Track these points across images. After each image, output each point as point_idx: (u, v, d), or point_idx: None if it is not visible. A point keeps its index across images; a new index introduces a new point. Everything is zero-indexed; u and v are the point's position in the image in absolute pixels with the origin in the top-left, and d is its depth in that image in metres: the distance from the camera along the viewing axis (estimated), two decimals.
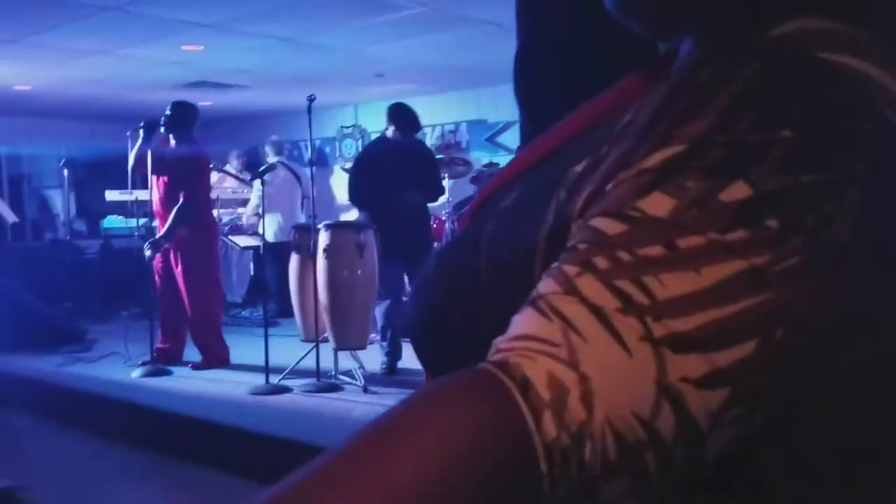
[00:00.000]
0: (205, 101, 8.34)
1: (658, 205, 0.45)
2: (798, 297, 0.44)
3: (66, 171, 8.16)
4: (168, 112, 5.47)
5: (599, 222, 0.46)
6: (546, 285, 0.45)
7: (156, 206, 5.64)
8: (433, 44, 6.26)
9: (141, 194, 8.86)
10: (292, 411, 4.59)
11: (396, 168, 5.30)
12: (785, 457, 0.49)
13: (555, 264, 0.46)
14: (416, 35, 5.98)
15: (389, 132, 5.45)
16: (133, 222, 8.82)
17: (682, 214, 0.44)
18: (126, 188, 9.27)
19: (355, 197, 5.55)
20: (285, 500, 0.40)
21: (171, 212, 5.44)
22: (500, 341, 0.45)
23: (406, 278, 5.52)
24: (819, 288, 0.44)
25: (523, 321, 0.45)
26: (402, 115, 5.45)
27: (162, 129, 5.47)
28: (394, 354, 5.34)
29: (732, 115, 0.46)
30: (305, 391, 4.93)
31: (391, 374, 5.29)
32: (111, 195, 9.20)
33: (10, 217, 8.04)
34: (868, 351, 0.47)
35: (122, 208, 9.18)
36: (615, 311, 0.43)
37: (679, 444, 0.43)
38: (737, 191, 0.44)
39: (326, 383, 5.01)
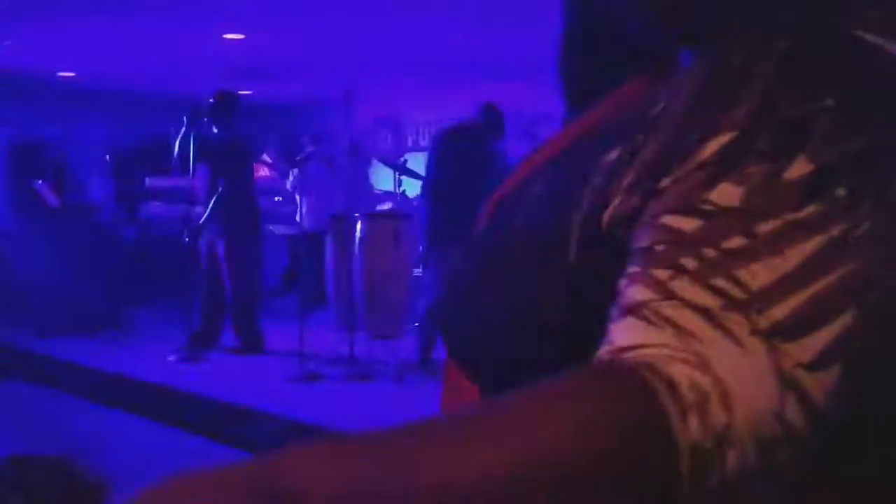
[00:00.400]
0: (245, 90, 8.41)
1: (728, 195, 0.45)
2: (881, 259, 0.45)
3: (107, 157, 8.26)
4: (212, 100, 5.52)
5: (672, 220, 0.46)
6: (640, 292, 0.45)
7: (199, 193, 5.70)
8: (470, 34, 6.25)
9: (181, 182, 8.97)
10: (326, 399, 4.62)
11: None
12: (887, 422, 0.51)
13: (634, 269, 0.47)
14: (455, 28, 5.97)
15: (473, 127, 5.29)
16: (173, 209, 8.95)
17: (753, 200, 0.45)
18: (166, 175, 9.42)
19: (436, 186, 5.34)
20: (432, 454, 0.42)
21: (212, 199, 5.51)
22: (608, 350, 0.45)
23: None
24: None
25: (629, 331, 0.45)
26: (495, 115, 5.37)
27: (206, 118, 5.53)
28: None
29: (773, 94, 0.46)
30: (339, 379, 4.96)
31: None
32: (151, 182, 9.32)
33: (52, 201, 8.17)
34: None
35: (162, 195, 9.30)
36: (720, 309, 0.43)
37: (808, 431, 0.43)
38: (799, 168, 0.44)
39: (360, 371, 5.04)
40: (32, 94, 8.83)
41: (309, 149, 7.92)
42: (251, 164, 5.94)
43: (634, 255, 0.48)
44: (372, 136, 9.58)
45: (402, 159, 7.98)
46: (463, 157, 5.09)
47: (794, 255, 0.44)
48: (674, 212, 0.47)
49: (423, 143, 9.19)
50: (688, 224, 0.46)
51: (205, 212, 5.58)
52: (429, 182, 5.25)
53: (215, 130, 5.58)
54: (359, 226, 5.24)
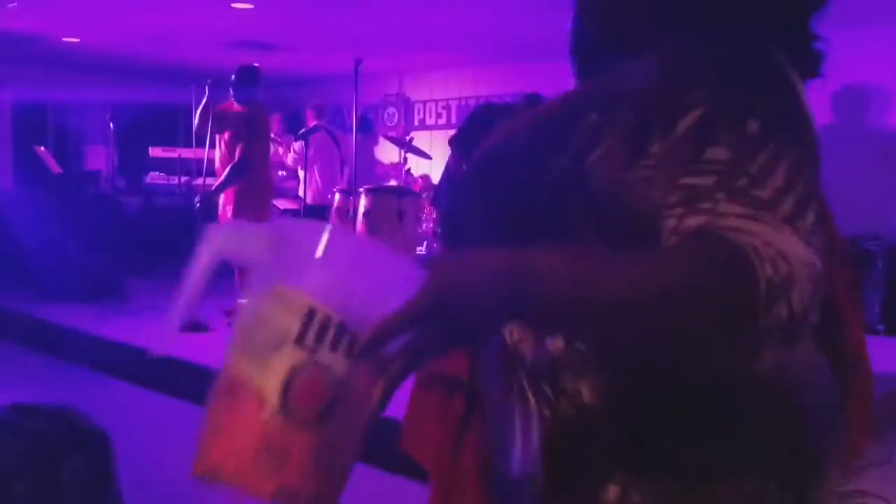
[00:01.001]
0: (251, 61, 8.34)
1: (718, 154, 0.71)
2: (803, 149, 0.76)
3: (111, 126, 8.21)
4: (236, 72, 5.54)
5: (689, 180, 0.71)
6: (695, 220, 0.70)
7: (217, 163, 5.72)
8: (485, 11, 6.18)
9: (184, 152, 8.92)
10: None
11: None
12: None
13: (677, 211, 0.71)
14: (467, 2, 5.91)
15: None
16: (176, 180, 8.90)
17: (735, 152, 0.71)
18: (169, 145, 9.36)
19: None
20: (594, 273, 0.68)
21: (228, 168, 5.54)
22: (688, 228, 0.71)
23: None
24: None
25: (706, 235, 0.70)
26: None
27: (229, 88, 5.54)
28: None
29: (721, 79, 0.75)
30: None
31: None
32: (155, 151, 9.27)
33: (55, 168, 8.13)
34: None
35: (165, 165, 9.25)
36: (755, 212, 0.68)
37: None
38: (751, 126, 0.72)
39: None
40: (36, 59, 8.77)
41: (313, 123, 7.89)
42: (268, 136, 5.91)
43: (668, 208, 0.71)
44: (380, 113, 9.52)
45: (408, 137, 7.93)
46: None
47: (779, 175, 0.70)
48: (687, 174, 0.71)
49: (430, 121, 9.13)
50: (702, 180, 0.71)
51: (217, 181, 5.61)
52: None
53: (235, 101, 5.58)
54: (362, 200, 5.20)
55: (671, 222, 0.70)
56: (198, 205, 5.72)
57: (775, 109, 0.74)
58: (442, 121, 9.00)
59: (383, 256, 0.69)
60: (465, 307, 0.64)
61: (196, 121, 5.75)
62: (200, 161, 6.30)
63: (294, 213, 7.79)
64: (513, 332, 0.84)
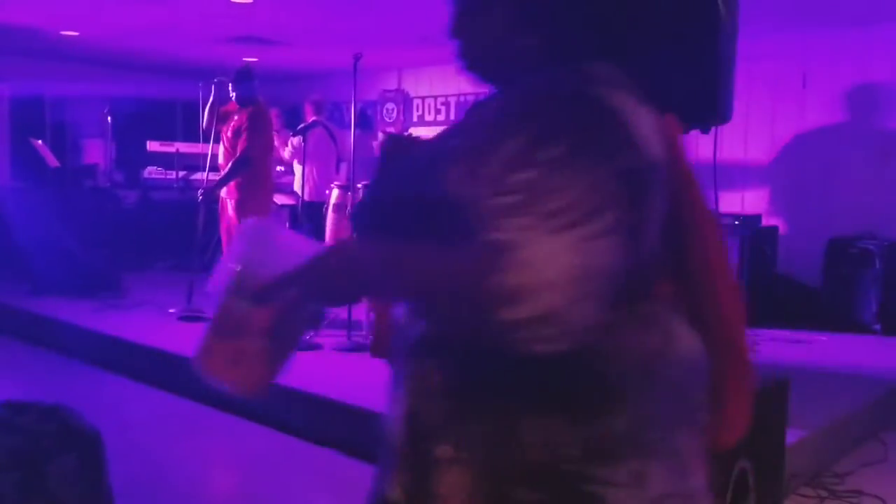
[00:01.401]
0: (250, 56, 8.32)
1: (524, 177, 0.87)
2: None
3: (109, 119, 8.20)
4: (234, 74, 5.68)
5: (500, 200, 0.87)
6: (497, 233, 0.86)
7: (220, 158, 5.82)
8: None
9: (182, 146, 8.90)
10: (322, 368, 4.60)
11: None
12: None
13: (489, 223, 0.88)
14: None
15: None
16: (174, 174, 8.88)
17: (537, 177, 0.87)
18: (167, 139, 9.34)
19: None
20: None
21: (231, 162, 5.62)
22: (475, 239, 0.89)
23: None
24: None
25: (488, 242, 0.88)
26: None
27: (230, 85, 5.67)
28: None
29: (540, 112, 0.92)
30: (336, 349, 4.94)
31: None
32: (153, 146, 9.25)
33: (52, 161, 8.11)
34: None
35: (162, 159, 9.24)
36: (541, 222, 0.85)
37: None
38: (557, 150, 0.88)
39: (357, 342, 5.02)
40: (34, 52, 8.74)
41: (311, 118, 7.87)
42: (270, 133, 5.97)
43: (482, 221, 0.87)
44: (378, 109, 9.51)
45: (407, 133, 7.91)
46: None
47: (571, 192, 0.85)
48: (498, 194, 0.87)
49: (430, 117, 9.11)
50: (508, 199, 0.86)
51: (220, 174, 5.72)
52: None
53: (237, 101, 5.70)
54: (360, 195, 5.19)
55: (482, 233, 0.87)
56: (200, 198, 5.83)
57: (582, 136, 0.89)
58: (441, 117, 8.99)
59: (295, 241, 1.13)
60: (312, 279, 0.99)
61: (205, 118, 5.91)
62: (197, 156, 6.36)
63: (291, 209, 7.78)
64: (404, 316, 1.07)
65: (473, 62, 1.09)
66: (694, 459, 1.01)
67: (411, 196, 1.00)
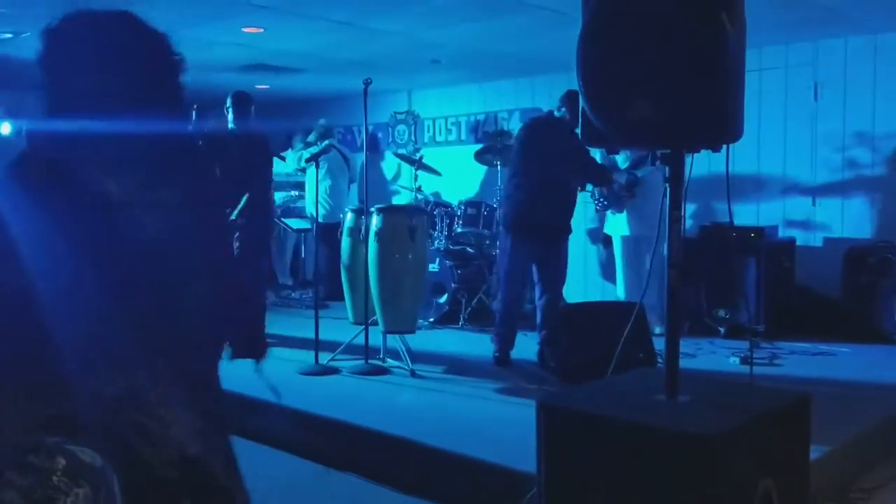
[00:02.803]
0: (262, 84, 8.38)
1: None
2: None
3: None
4: (231, 97, 5.67)
5: None
6: None
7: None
8: (490, 30, 6.19)
9: None
10: (340, 392, 4.59)
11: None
12: None
13: None
14: (473, 21, 5.92)
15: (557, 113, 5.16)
16: None
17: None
18: None
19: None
20: None
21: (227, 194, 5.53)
22: None
23: (534, 267, 5.21)
24: None
25: None
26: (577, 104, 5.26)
27: (226, 113, 5.64)
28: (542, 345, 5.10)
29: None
30: (353, 373, 4.93)
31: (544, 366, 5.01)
32: None
33: None
34: None
35: None
36: None
37: None
38: (173, 195, 1.72)
39: (374, 366, 5.01)
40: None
41: (324, 142, 7.92)
42: (269, 160, 5.96)
43: None
44: (389, 131, 9.55)
45: (418, 155, 7.94)
46: (564, 152, 4.99)
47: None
48: None
49: (440, 138, 9.14)
50: None
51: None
52: (524, 174, 5.13)
53: (232, 127, 5.68)
54: (374, 219, 5.21)
55: None
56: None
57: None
58: (452, 137, 9.02)
59: None
60: None
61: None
62: None
63: (306, 233, 7.81)
64: None
65: None
66: None
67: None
